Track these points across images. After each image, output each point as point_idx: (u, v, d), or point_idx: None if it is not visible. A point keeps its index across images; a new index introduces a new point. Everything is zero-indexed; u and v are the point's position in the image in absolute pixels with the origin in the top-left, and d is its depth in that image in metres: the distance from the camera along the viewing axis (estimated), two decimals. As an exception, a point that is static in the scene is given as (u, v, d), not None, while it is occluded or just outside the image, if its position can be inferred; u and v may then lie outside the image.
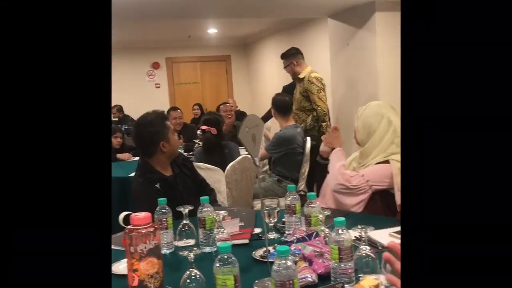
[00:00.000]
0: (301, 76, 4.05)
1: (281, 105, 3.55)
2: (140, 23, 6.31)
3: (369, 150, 2.00)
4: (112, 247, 1.65)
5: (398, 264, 0.89)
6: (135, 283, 1.16)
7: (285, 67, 4.20)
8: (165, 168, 2.20)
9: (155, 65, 8.45)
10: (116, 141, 4.14)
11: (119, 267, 1.41)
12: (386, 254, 0.89)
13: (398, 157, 1.93)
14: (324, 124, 3.94)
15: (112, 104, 7.35)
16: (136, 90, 8.26)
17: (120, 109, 7.13)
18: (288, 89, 4.64)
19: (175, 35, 7.59)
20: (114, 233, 1.84)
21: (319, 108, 3.91)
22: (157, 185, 2.10)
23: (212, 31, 7.41)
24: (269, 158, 4.07)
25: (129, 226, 1.17)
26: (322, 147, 2.19)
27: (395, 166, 1.90)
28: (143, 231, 1.16)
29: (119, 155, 4.08)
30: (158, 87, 8.50)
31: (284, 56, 4.20)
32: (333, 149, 2.10)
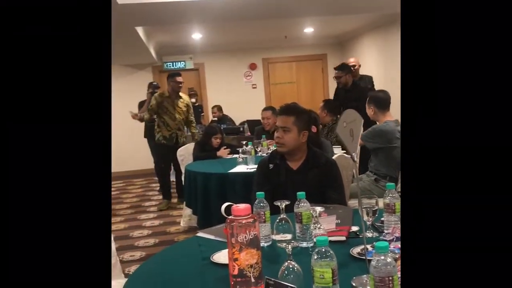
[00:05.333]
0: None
1: (381, 100, 3.45)
2: (238, 25, 6.51)
3: None
4: (214, 238, 1.74)
5: None
6: (235, 271, 1.21)
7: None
8: (296, 160, 2.29)
9: (252, 66, 8.65)
10: (216, 141, 4.32)
11: (220, 256, 1.48)
12: None
13: None
14: None
15: (212, 104, 7.68)
16: (234, 91, 8.53)
17: (220, 108, 7.43)
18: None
19: (272, 36, 7.71)
20: (214, 224, 1.94)
21: None
22: (271, 166, 2.29)
23: (308, 30, 7.41)
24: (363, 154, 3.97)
25: (230, 217, 1.23)
26: None
27: None
28: (244, 222, 1.20)
29: (218, 153, 4.25)
30: (255, 87, 8.70)
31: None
32: None
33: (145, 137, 6.24)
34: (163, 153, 5.29)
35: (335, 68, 4.86)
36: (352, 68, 5.13)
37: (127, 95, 8.05)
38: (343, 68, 4.83)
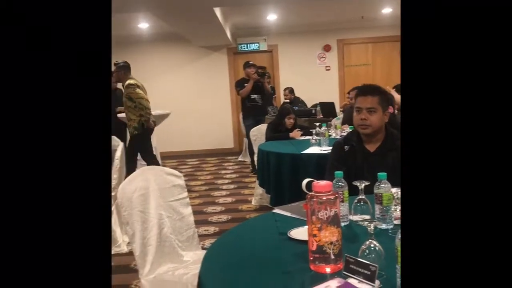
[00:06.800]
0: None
1: None
2: (313, 5, 6.40)
3: None
4: (290, 215, 1.75)
5: None
6: (314, 247, 1.21)
7: None
8: (374, 142, 2.23)
9: (327, 48, 8.50)
10: (289, 122, 4.33)
11: (298, 233, 1.49)
12: None
13: None
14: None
15: (284, 86, 7.67)
16: (307, 73, 8.45)
17: (291, 90, 7.40)
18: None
19: (348, 16, 7.52)
20: (286, 203, 1.94)
21: None
22: (346, 148, 2.25)
23: (386, 10, 7.14)
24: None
25: (311, 193, 1.23)
26: None
27: None
28: (324, 198, 1.20)
29: (291, 134, 4.27)
30: (328, 69, 8.55)
31: None
32: None
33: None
34: None
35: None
36: None
37: (203, 75, 8.23)
38: None
